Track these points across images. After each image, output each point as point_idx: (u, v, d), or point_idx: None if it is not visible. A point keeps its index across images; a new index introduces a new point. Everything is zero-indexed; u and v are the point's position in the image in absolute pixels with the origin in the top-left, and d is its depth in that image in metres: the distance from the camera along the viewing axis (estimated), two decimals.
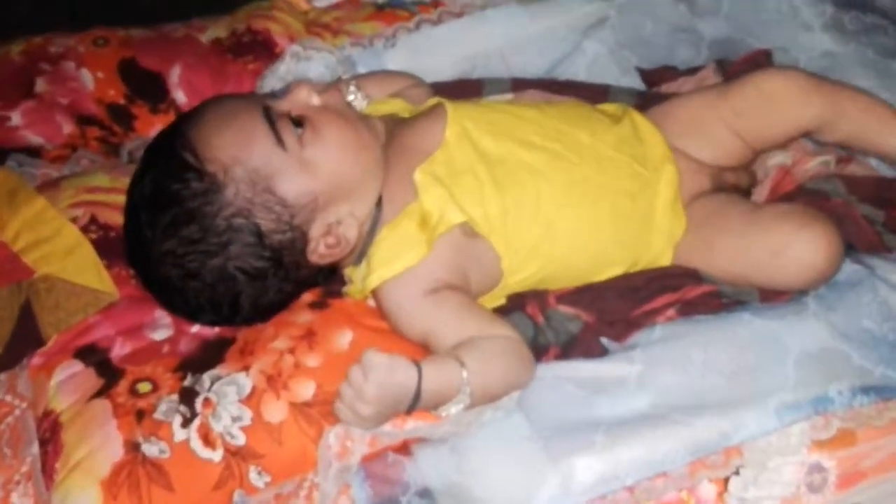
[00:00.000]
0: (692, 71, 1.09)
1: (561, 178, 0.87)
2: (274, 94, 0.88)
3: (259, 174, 0.79)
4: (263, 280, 0.81)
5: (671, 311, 0.87)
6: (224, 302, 0.81)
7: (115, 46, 1.11)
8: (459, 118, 0.88)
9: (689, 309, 0.87)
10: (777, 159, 1.00)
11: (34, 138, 1.06)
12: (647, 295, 0.88)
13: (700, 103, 0.98)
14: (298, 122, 0.82)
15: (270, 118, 0.81)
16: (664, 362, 0.83)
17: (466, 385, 0.77)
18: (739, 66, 1.07)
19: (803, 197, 0.94)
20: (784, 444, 0.78)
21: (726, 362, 0.82)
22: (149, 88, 1.09)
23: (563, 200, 0.86)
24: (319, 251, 0.83)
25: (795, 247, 0.84)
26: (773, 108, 0.94)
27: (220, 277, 0.80)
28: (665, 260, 0.91)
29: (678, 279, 0.89)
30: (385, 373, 0.74)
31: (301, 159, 0.81)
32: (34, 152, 1.04)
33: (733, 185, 0.97)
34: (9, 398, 0.83)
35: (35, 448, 0.79)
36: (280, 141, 0.80)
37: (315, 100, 0.84)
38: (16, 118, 1.05)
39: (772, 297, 0.87)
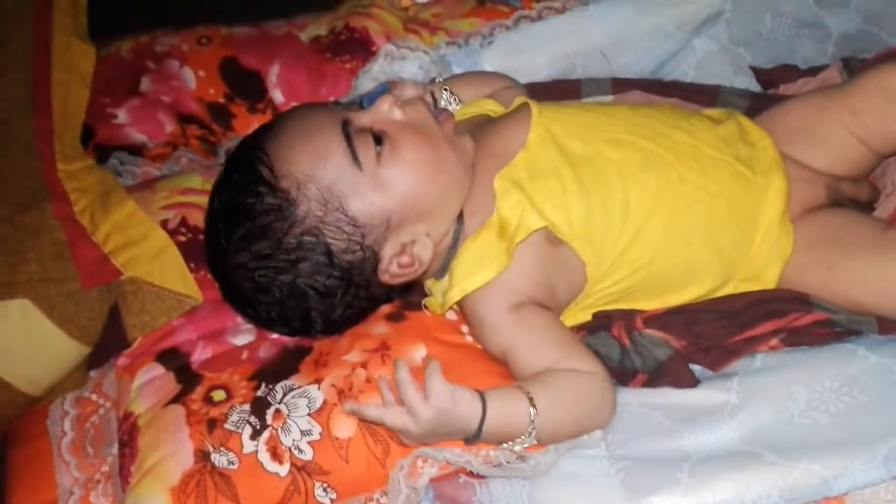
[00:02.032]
0: (815, 71, 1.00)
1: (653, 178, 0.81)
2: (361, 103, 0.85)
3: (332, 193, 0.77)
4: (333, 298, 0.79)
5: (775, 341, 0.80)
6: (294, 317, 0.81)
7: (217, 45, 1.12)
8: (544, 120, 0.84)
9: (795, 338, 0.80)
10: None
11: (137, 136, 1.07)
12: (749, 320, 0.81)
13: (816, 105, 0.90)
14: (378, 138, 0.79)
15: (348, 134, 0.78)
16: (763, 396, 0.77)
17: (533, 428, 0.73)
18: (869, 65, 0.97)
19: None
20: (892, 497, 0.71)
21: (833, 401, 0.75)
22: (248, 87, 1.10)
23: (654, 203, 0.81)
24: (392, 271, 0.80)
25: None
26: (893, 103, 0.86)
27: (290, 293, 0.79)
28: (770, 279, 0.84)
29: (785, 304, 0.81)
30: (446, 401, 0.71)
31: (376, 179, 0.78)
32: (136, 150, 1.05)
33: (852, 197, 0.88)
34: (94, 397, 0.85)
35: (115, 449, 0.81)
36: (356, 159, 0.78)
37: (398, 114, 0.81)
38: (121, 116, 1.07)
39: (892, 328, 0.79)
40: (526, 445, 0.74)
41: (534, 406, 0.73)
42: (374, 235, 0.79)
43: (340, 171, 0.77)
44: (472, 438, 0.73)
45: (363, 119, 0.80)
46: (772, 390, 0.76)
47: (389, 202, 0.78)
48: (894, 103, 0.86)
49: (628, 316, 0.82)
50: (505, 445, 0.74)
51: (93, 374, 0.87)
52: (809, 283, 0.82)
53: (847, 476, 0.71)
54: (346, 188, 0.77)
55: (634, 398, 0.80)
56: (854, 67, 0.98)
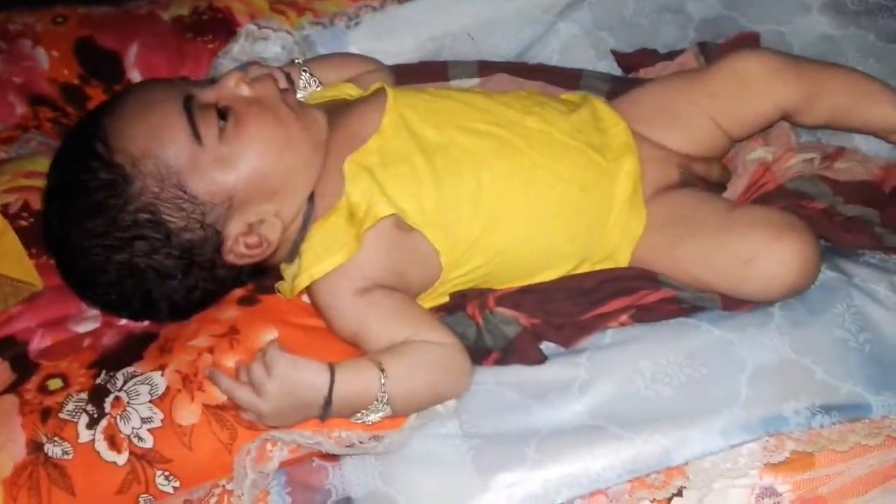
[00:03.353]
0: (672, 55, 1.02)
1: (506, 165, 0.81)
2: (213, 81, 0.82)
3: (169, 169, 0.75)
4: (174, 279, 0.77)
5: (624, 317, 0.81)
6: (134, 299, 0.78)
7: (73, 24, 1.07)
8: (399, 105, 0.83)
9: (644, 315, 0.81)
10: (757, 154, 0.92)
11: None
12: (600, 298, 0.82)
13: (675, 87, 0.92)
14: (223, 114, 0.77)
15: (190, 109, 0.76)
16: (611, 370, 0.77)
17: (384, 393, 0.72)
18: (724, 49, 0.99)
19: (783, 198, 0.87)
20: (731, 465, 0.73)
21: (676, 373, 0.76)
22: (105, 68, 1.06)
23: (506, 190, 0.81)
24: (238, 251, 0.78)
25: (767, 258, 0.77)
26: (748, 88, 0.88)
27: (128, 273, 0.76)
28: (622, 259, 0.85)
29: (634, 282, 0.82)
30: (288, 368, 0.70)
31: (217, 155, 0.76)
32: None
33: (703, 177, 0.90)
34: None
35: None
36: (196, 135, 0.75)
37: (245, 90, 0.79)
38: None
39: (735, 305, 0.81)
40: (380, 415, 0.73)
41: (383, 371, 0.72)
42: (216, 214, 0.76)
43: (179, 146, 0.75)
44: (324, 411, 0.72)
45: (208, 95, 0.78)
46: (619, 365, 0.77)
47: (232, 180, 0.76)
48: (749, 89, 0.88)
49: (482, 295, 0.82)
50: (359, 416, 0.73)
51: None
52: (658, 262, 0.83)
53: (686, 446, 0.72)
54: (185, 165, 0.75)
55: (490, 377, 0.79)
56: (710, 51, 1.00)
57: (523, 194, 0.81)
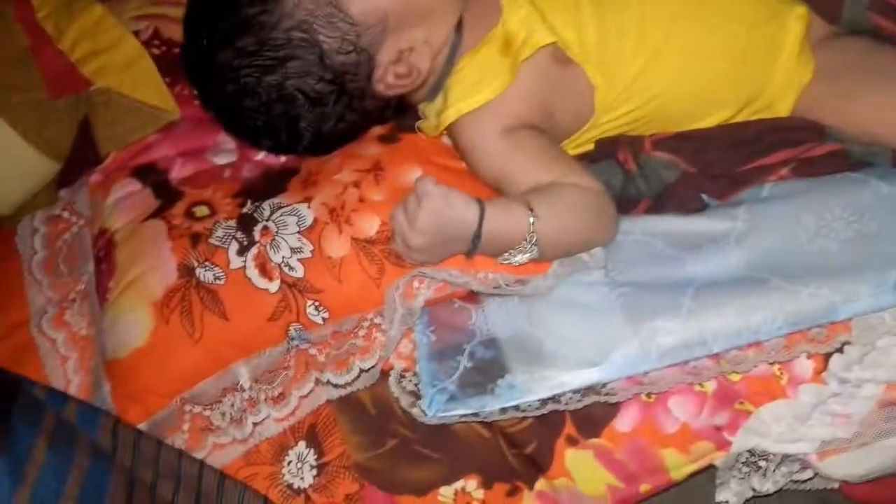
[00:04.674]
0: None
1: (673, 0, 0.76)
2: None
3: None
4: (324, 105, 0.74)
5: (785, 170, 0.77)
6: (282, 126, 0.75)
7: None
8: None
9: (806, 169, 0.77)
10: None
11: None
12: (760, 149, 0.78)
13: None
14: None
15: None
16: (770, 223, 0.74)
17: (533, 232, 0.69)
18: None
19: None
20: None
21: (843, 228, 0.72)
22: None
23: (672, 26, 0.76)
24: (387, 80, 0.75)
25: None
26: None
27: (278, 97, 0.73)
28: (784, 108, 0.80)
29: (799, 133, 0.78)
30: (440, 202, 0.67)
31: None
32: None
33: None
34: (66, 215, 0.80)
35: (90, 267, 0.76)
36: None
37: None
38: None
39: None
40: (527, 256, 0.71)
41: (532, 211, 0.70)
42: (370, 36, 0.73)
43: None
44: (472, 248, 0.70)
45: None
46: (780, 218, 0.74)
47: None
48: None
49: (635, 140, 0.78)
50: (507, 256, 0.71)
51: (63, 192, 0.82)
52: (825, 113, 0.78)
53: (855, 301, 0.69)
54: None
55: (636, 226, 0.77)
56: None
57: (689, 31, 0.76)
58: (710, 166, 0.77)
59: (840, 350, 0.71)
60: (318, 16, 0.71)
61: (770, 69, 0.79)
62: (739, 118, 0.80)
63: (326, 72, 0.73)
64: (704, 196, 0.77)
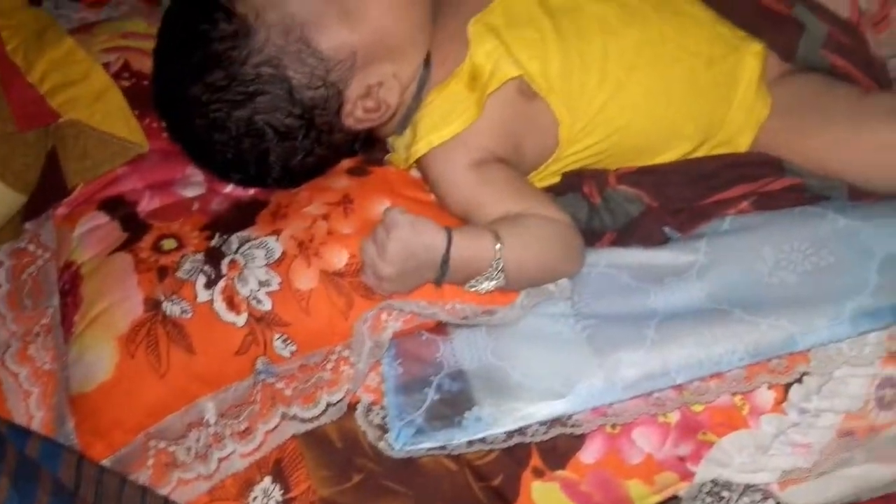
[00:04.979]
0: None
1: (633, 34, 0.78)
2: None
3: (294, 20, 0.72)
4: (293, 140, 0.75)
5: (745, 204, 0.79)
6: (251, 159, 0.76)
7: None
8: None
9: (766, 202, 0.78)
10: None
11: None
12: (721, 183, 0.80)
13: None
14: None
15: None
16: (731, 255, 0.75)
17: (499, 259, 0.70)
18: None
19: None
20: (856, 353, 0.71)
21: (801, 261, 0.74)
22: None
23: (633, 60, 0.78)
24: (356, 114, 0.76)
25: None
26: None
27: (247, 132, 0.74)
28: (743, 143, 0.82)
29: (758, 168, 0.80)
30: (409, 230, 0.68)
31: (343, 8, 0.73)
32: None
33: None
34: (31, 248, 0.80)
35: (55, 300, 0.76)
36: None
37: None
38: None
39: (861, 196, 0.78)
40: (493, 283, 0.72)
41: (498, 238, 0.71)
42: (339, 71, 0.74)
43: None
44: (440, 274, 0.70)
45: None
46: (740, 251, 0.75)
47: (356, 35, 0.73)
48: None
49: (600, 174, 0.80)
50: (473, 283, 0.72)
51: (28, 225, 0.82)
52: (782, 149, 0.80)
53: (813, 332, 0.71)
54: (310, 16, 0.72)
55: (602, 259, 0.78)
56: None
57: (650, 65, 0.78)
58: (671, 200, 0.79)
59: (799, 380, 0.72)
60: (287, 52, 0.72)
61: (728, 104, 0.81)
62: (701, 152, 0.82)
63: (295, 107, 0.74)
64: (667, 229, 0.79)
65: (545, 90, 0.76)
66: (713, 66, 0.80)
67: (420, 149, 0.76)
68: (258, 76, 0.72)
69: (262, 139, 0.74)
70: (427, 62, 0.78)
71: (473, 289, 0.72)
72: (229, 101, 0.73)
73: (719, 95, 0.80)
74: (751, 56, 0.81)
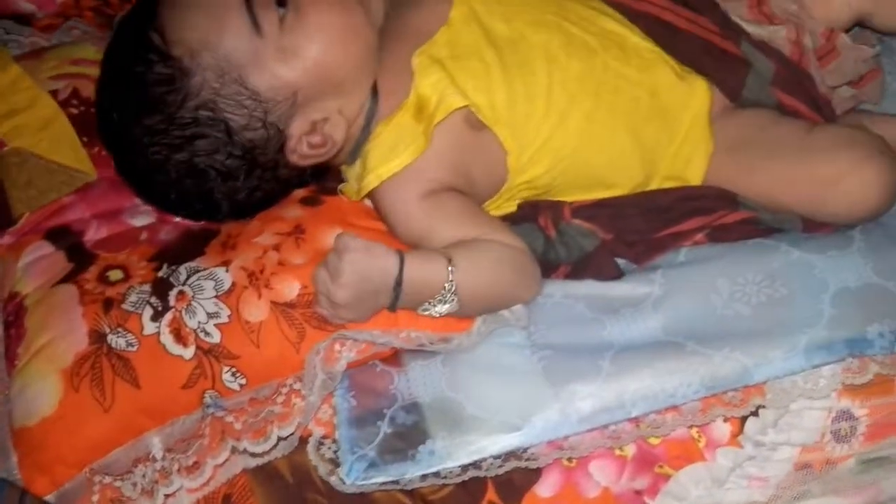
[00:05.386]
0: None
1: (577, 65, 0.78)
2: None
3: (229, 62, 0.71)
4: (236, 179, 0.74)
5: (700, 236, 0.79)
6: (194, 199, 0.75)
7: None
8: None
9: (720, 235, 0.79)
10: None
11: (26, 5, 0.98)
12: (675, 216, 0.80)
13: None
14: (282, 0, 0.73)
15: None
16: (686, 287, 0.75)
17: (452, 281, 0.70)
18: None
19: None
20: (811, 386, 0.71)
21: (755, 293, 0.74)
22: None
23: (576, 90, 0.78)
24: (301, 151, 0.75)
25: (852, 181, 0.75)
26: None
27: (188, 173, 0.73)
28: (694, 177, 0.82)
29: (711, 201, 0.80)
30: (361, 254, 0.67)
31: (279, 47, 0.72)
32: (24, 20, 0.96)
33: None
34: None
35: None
36: (256, 25, 0.71)
37: None
38: None
39: (815, 228, 0.78)
40: (447, 307, 0.71)
41: (451, 261, 0.70)
42: (279, 111, 0.73)
43: (238, 37, 0.71)
44: (394, 297, 0.69)
45: None
46: (695, 282, 0.75)
47: (295, 73, 0.72)
48: None
49: (556, 206, 0.80)
50: (427, 306, 0.71)
51: None
52: (733, 182, 0.80)
53: (768, 365, 0.71)
54: (246, 58, 0.71)
55: (557, 290, 0.77)
56: None
57: (593, 95, 0.78)
58: (626, 233, 0.79)
59: (755, 413, 0.72)
60: (223, 94, 0.71)
61: (674, 135, 0.81)
62: (653, 185, 0.82)
63: (235, 148, 0.73)
64: (622, 261, 0.78)
65: (491, 121, 0.76)
66: (656, 98, 0.80)
67: (370, 182, 0.75)
68: (196, 119, 0.71)
69: (205, 179, 0.73)
70: (375, 94, 0.77)
71: (427, 312, 0.71)
72: (167, 144, 0.72)
73: (663, 126, 0.80)
74: (697, 89, 0.81)
